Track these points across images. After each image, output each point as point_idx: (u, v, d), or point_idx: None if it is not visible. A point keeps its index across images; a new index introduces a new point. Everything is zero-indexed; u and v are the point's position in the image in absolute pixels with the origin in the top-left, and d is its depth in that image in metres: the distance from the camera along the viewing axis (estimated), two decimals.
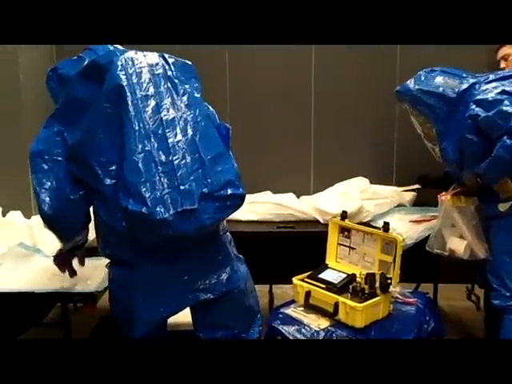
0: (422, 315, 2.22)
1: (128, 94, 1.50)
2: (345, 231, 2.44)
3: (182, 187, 1.45)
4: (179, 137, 1.50)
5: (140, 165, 1.44)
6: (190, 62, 1.71)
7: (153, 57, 1.62)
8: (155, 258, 1.58)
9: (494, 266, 2.28)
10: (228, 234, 1.80)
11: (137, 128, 1.47)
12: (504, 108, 2.08)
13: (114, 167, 1.50)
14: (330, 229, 2.45)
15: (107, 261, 1.78)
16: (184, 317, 1.73)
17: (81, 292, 1.82)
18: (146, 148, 1.46)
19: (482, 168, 2.18)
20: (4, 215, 2.32)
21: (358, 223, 2.51)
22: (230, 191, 1.51)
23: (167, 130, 1.49)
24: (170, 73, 1.60)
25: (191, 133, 1.52)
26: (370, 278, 2.15)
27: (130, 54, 1.59)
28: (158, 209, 1.42)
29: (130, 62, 1.55)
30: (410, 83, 2.37)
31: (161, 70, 1.59)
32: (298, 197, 3.06)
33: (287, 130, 3.19)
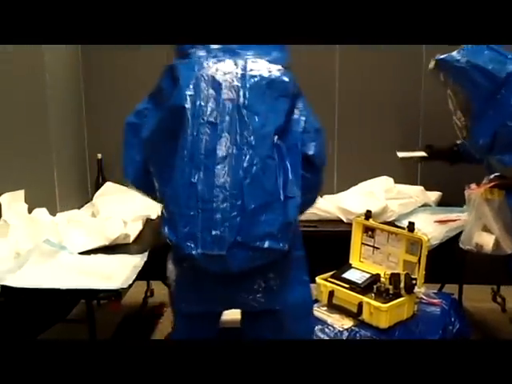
0: (447, 316, 2.20)
1: (189, 117, 1.41)
2: (369, 231, 2.42)
3: (214, 231, 1.37)
4: (227, 177, 1.38)
5: (181, 197, 1.40)
6: (282, 78, 1.50)
7: (230, 77, 1.46)
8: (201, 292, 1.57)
9: None
10: (297, 251, 1.65)
11: (189, 157, 1.40)
12: None
13: (166, 175, 1.46)
14: (354, 228, 2.43)
15: (132, 259, 1.78)
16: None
17: (105, 289, 1.83)
18: (192, 180, 1.39)
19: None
20: (30, 212, 2.35)
21: (382, 223, 2.48)
22: (266, 244, 1.39)
23: (218, 167, 1.38)
24: (241, 100, 1.43)
25: (241, 175, 1.38)
26: (394, 278, 2.13)
27: (208, 69, 1.46)
28: (187, 243, 1.39)
29: (203, 83, 1.44)
30: (457, 54, 2.16)
31: (233, 95, 1.43)
32: (322, 196, 3.03)
33: None
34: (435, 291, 2.43)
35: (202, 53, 1.53)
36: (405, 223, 2.36)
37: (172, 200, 1.42)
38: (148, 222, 2.62)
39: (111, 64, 3.22)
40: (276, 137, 1.43)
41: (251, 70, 1.47)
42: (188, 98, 1.43)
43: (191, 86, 1.44)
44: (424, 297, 2.25)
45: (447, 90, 2.30)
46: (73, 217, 2.48)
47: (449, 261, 2.86)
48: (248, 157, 1.38)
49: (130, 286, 1.87)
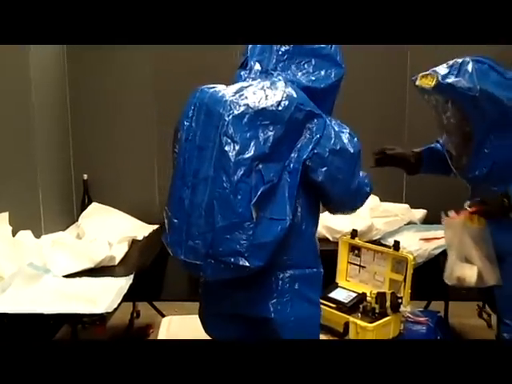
0: (433, 334, 2.20)
1: (183, 140, 1.58)
2: (355, 250, 2.42)
3: (190, 242, 1.53)
4: (204, 197, 1.52)
5: (174, 208, 1.58)
6: (279, 108, 1.51)
7: (222, 103, 1.54)
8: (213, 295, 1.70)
9: (504, 300, 2.13)
10: (307, 269, 1.66)
11: (181, 175, 1.57)
12: None
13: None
14: (340, 247, 2.44)
15: (117, 282, 1.77)
16: None
17: (90, 313, 1.82)
18: (182, 195, 1.56)
19: None
20: (14, 235, 2.33)
21: (368, 241, 2.50)
22: (233, 260, 1.48)
23: (199, 187, 1.53)
24: (224, 128, 1.51)
25: (215, 196, 1.51)
26: (380, 297, 2.13)
27: (205, 98, 1.58)
28: (176, 249, 1.56)
29: (202, 109, 1.57)
30: (471, 78, 1.91)
31: (220, 123, 1.53)
32: None
33: None
34: (421, 309, 2.43)
35: (243, 73, 1.67)
36: (390, 241, 2.38)
37: (169, 210, 1.59)
38: (134, 243, 2.62)
39: (97, 82, 3.23)
40: (256, 162, 1.50)
41: (245, 97, 1.54)
42: (184, 122, 1.59)
43: (190, 113, 1.59)
44: (410, 315, 2.25)
45: (435, 112, 2.13)
46: (58, 239, 2.47)
47: (435, 278, 2.88)
48: (222, 180, 1.50)
49: (116, 309, 1.86)
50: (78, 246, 2.38)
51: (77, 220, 2.90)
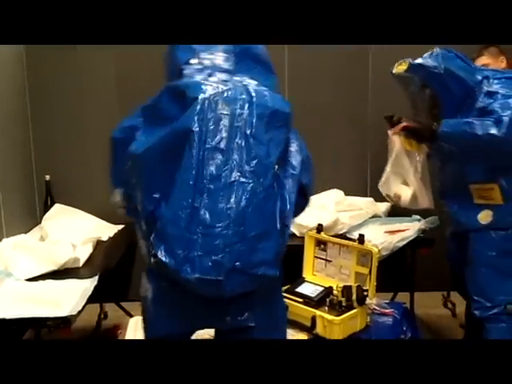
0: (399, 326, 2.24)
1: (196, 141, 1.41)
2: (321, 244, 2.45)
3: (213, 257, 1.38)
4: (230, 204, 1.39)
5: (182, 219, 1.38)
6: (287, 109, 1.52)
7: (238, 105, 1.46)
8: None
9: (473, 278, 2.27)
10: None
11: (193, 180, 1.40)
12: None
13: (157, 195, 1.44)
14: (306, 242, 2.46)
15: (81, 284, 1.74)
16: None
17: (53, 317, 1.78)
18: (195, 204, 1.39)
19: (447, 123, 2.13)
20: None
21: (333, 235, 2.52)
22: (261, 271, 1.42)
23: (222, 193, 1.39)
24: (248, 129, 1.44)
25: (244, 204, 1.39)
26: (346, 290, 2.16)
27: (216, 95, 1.46)
28: (184, 267, 1.38)
29: (212, 107, 1.44)
30: (432, 59, 2.16)
31: (241, 123, 1.44)
32: None
33: None
34: (387, 301, 2.47)
35: (193, 72, 1.54)
36: (356, 235, 2.41)
37: (171, 222, 1.39)
38: (99, 244, 2.58)
39: (59, 81, 3.16)
40: (276, 166, 1.46)
41: (257, 97, 1.48)
42: (196, 121, 1.42)
43: (199, 110, 1.43)
44: (376, 307, 2.29)
45: (409, 94, 2.33)
46: (19, 242, 2.42)
47: (400, 269, 2.94)
48: (252, 185, 1.40)
49: (80, 311, 1.83)
50: (41, 248, 2.33)
51: (40, 222, 2.84)
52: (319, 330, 2.08)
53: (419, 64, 2.19)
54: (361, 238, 2.28)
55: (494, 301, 2.21)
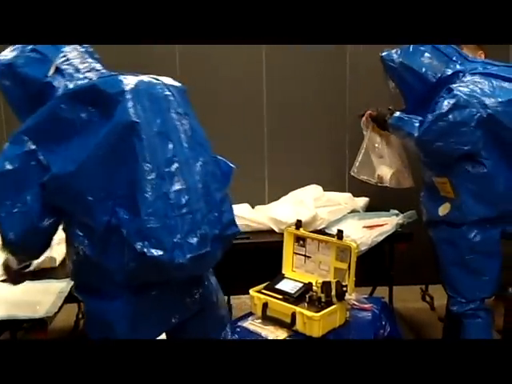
0: (378, 320, 2.25)
1: (142, 131, 1.40)
2: (300, 240, 2.44)
3: (198, 231, 1.42)
4: (194, 178, 1.45)
5: (158, 209, 1.38)
6: (182, 85, 1.59)
7: (160, 87, 1.50)
8: (138, 289, 1.50)
9: (444, 276, 2.32)
10: None
11: (152, 169, 1.39)
12: (445, 103, 2.06)
13: (110, 203, 1.40)
14: (285, 238, 2.46)
15: (57, 285, 1.71)
16: None
17: (29, 318, 1.75)
18: (163, 191, 1.39)
19: (395, 116, 2.27)
20: None
21: (312, 231, 2.52)
22: (231, 230, 1.53)
23: (182, 171, 1.43)
24: (178, 108, 1.50)
25: (203, 174, 1.48)
26: (325, 286, 2.16)
27: (140, 83, 1.46)
28: (175, 253, 1.38)
29: (142, 95, 1.44)
30: (396, 53, 2.24)
31: (170, 104, 1.49)
32: (253, 207, 3.05)
33: (240, 139, 3.18)
34: (366, 296, 2.49)
35: (90, 74, 1.53)
36: (335, 230, 2.41)
37: (149, 217, 1.37)
38: None
39: None
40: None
41: (161, 80, 1.54)
42: (134, 112, 1.40)
43: (131, 101, 1.41)
44: (355, 303, 2.29)
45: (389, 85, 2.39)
46: None
47: (378, 264, 2.96)
48: (203, 156, 1.50)
49: (56, 313, 1.80)
50: None
51: None
52: (299, 326, 2.08)
53: (381, 57, 2.29)
54: (339, 234, 2.29)
55: (469, 297, 2.23)
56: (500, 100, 2.04)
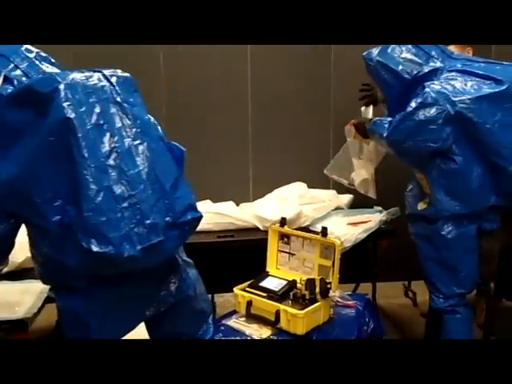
0: (362, 317, 2.26)
1: (77, 126, 1.38)
2: (284, 237, 2.44)
3: (146, 221, 1.40)
4: (138, 167, 1.43)
5: (100, 204, 1.36)
6: (128, 75, 1.58)
7: (96, 79, 1.48)
8: (107, 283, 1.50)
9: (424, 273, 2.33)
10: None
11: (91, 163, 1.37)
12: (412, 103, 2.08)
13: (59, 202, 1.39)
14: (270, 236, 2.45)
15: (36, 284, 1.69)
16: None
17: (8, 320, 1.73)
18: (105, 184, 1.38)
19: (373, 121, 2.29)
20: None
21: (297, 228, 2.52)
22: (189, 216, 1.50)
23: (124, 162, 1.41)
24: (117, 97, 1.48)
25: (148, 161, 1.45)
26: (310, 283, 2.16)
27: (74, 77, 1.45)
28: (124, 246, 1.37)
29: (75, 89, 1.42)
30: (374, 52, 2.24)
31: (108, 94, 1.47)
32: (238, 204, 3.04)
33: (225, 137, 3.17)
34: (350, 293, 2.49)
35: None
36: (319, 227, 2.40)
37: (92, 213, 1.36)
38: None
39: None
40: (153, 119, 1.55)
41: (110, 75, 1.52)
42: (68, 108, 1.39)
43: (64, 97, 1.40)
44: (339, 299, 2.30)
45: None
46: None
47: (362, 260, 2.97)
48: (146, 143, 1.46)
49: (36, 314, 1.78)
50: None
51: None
52: (283, 324, 2.08)
53: (363, 56, 2.27)
54: (324, 231, 2.28)
55: (446, 293, 2.25)
56: (469, 97, 2.04)
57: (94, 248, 1.34)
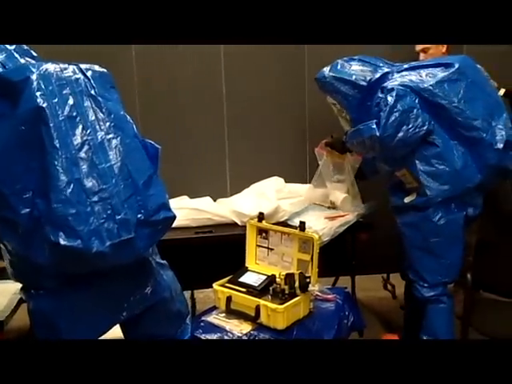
0: (342, 311, 2.27)
1: (49, 116, 1.36)
2: (263, 232, 2.43)
3: (117, 217, 1.37)
4: (110, 161, 1.40)
5: (70, 196, 1.33)
6: (105, 70, 1.56)
7: (71, 71, 1.46)
8: (78, 283, 1.47)
9: (408, 260, 2.36)
10: None
11: (62, 154, 1.34)
12: (388, 98, 2.16)
13: (29, 194, 1.36)
14: (248, 231, 2.44)
15: (11, 285, 1.65)
16: None
17: None
18: (75, 176, 1.35)
19: (349, 132, 2.39)
20: None
21: (275, 223, 2.52)
22: (162, 215, 1.47)
23: (96, 155, 1.39)
24: (91, 90, 1.46)
25: (121, 156, 1.42)
26: (289, 278, 2.16)
27: (47, 68, 1.42)
28: (92, 241, 1.34)
29: (48, 80, 1.40)
30: (326, 70, 2.41)
31: (82, 87, 1.45)
32: (215, 200, 3.02)
33: (200, 132, 3.15)
34: (329, 286, 2.50)
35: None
36: (297, 222, 2.40)
37: (61, 205, 1.33)
38: None
39: None
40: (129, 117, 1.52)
41: (85, 69, 1.50)
42: (40, 97, 1.36)
43: (37, 87, 1.37)
44: (319, 293, 2.30)
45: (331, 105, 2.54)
46: None
47: (341, 254, 2.98)
48: (120, 138, 1.44)
49: (12, 313, 1.74)
50: None
51: None
52: (263, 319, 2.08)
53: (315, 79, 2.48)
54: (302, 225, 2.28)
55: (431, 282, 2.28)
56: (429, 84, 2.17)
57: (62, 241, 1.31)
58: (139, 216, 1.41)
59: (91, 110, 1.43)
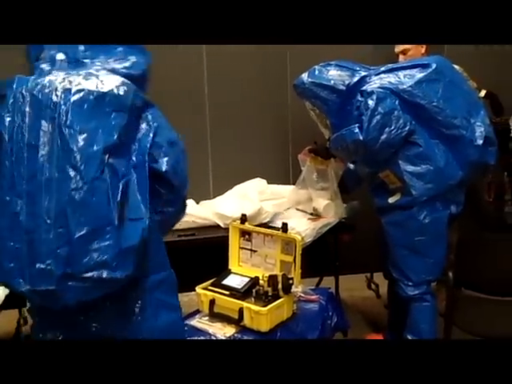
0: (325, 311, 2.27)
1: (7, 140, 1.29)
2: (246, 234, 2.43)
3: (40, 265, 1.26)
4: (50, 204, 1.26)
5: (5, 229, 1.28)
6: (121, 92, 1.36)
7: (49, 93, 1.32)
8: (56, 323, 1.41)
9: (393, 259, 2.37)
10: (161, 273, 1.51)
11: (9, 186, 1.28)
12: (369, 102, 2.17)
13: None
14: (231, 233, 2.44)
15: None
16: None
17: None
18: (15, 210, 1.27)
19: (332, 138, 2.39)
20: None
21: (258, 225, 2.52)
22: (98, 274, 1.28)
23: (39, 194, 1.27)
24: (63, 118, 1.29)
25: (64, 201, 1.26)
26: (272, 280, 2.16)
27: (29, 86, 1.33)
28: (16, 280, 1.27)
29: (20, 101, 1.31)
30: (304, 76, 2.41)
31: (56, 114, 1.30)
32: (198, 202, 3.01)
33: (182, 133, 3.12)
34: (313, 287, 2.50)
35: (45, 66, 1.41)
36: (279, 223, 2.41)
37: None
38: None
39: None
40: (107, 156, 1.31)
41: (78, 84, 1.33)
42: (6, 118, 1.30)
43: (9, 106, 1.31)
44: (302, 295, 2.30)
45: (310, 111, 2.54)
46: None
47: (324, 255, 2.99)
48: (73, 180, 1.27)
49: None
50: None
51: None
52: (247, 321, 2.07)
53: (294, 85, 2.48)
54: (284, 227, 2.29)
55: (415, 280, 2.30)
56: (408, 85, 2.19)
57: None
58: (67, 269, 1.26)
59: (54, 141, 1.30)
